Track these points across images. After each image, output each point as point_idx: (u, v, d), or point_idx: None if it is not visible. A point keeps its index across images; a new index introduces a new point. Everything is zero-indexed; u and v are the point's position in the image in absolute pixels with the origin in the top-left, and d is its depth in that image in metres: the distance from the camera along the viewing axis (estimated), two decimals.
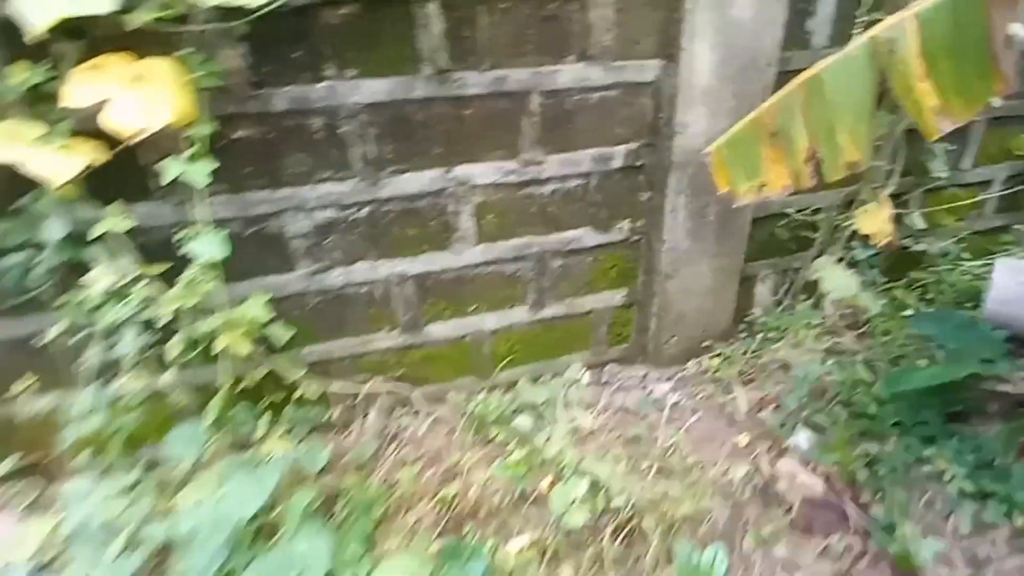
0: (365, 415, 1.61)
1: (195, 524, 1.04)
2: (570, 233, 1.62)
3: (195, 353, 1.26)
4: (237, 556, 0.99)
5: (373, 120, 1.32)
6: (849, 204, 1.80)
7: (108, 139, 1.05)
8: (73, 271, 1.16)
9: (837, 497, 1.31)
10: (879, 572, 1.20)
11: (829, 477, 1.38)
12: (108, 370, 1.22)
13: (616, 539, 1.19)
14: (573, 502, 1.17)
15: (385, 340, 1.62)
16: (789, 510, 1.32)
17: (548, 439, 1.42)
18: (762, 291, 1.96)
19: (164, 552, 1.10)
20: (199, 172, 1.06)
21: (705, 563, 1.06)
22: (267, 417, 1.39)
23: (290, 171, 1.32)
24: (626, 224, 1.67)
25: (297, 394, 1.48)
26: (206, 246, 1.09)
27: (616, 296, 1.78)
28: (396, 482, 1.38)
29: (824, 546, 1.24)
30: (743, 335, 1.89)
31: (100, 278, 1.08)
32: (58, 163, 0.96)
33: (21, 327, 1.26)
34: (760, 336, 1.86)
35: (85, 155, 1.01)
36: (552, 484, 1.31)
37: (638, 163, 1.57)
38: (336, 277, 1.48)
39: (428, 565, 1.01)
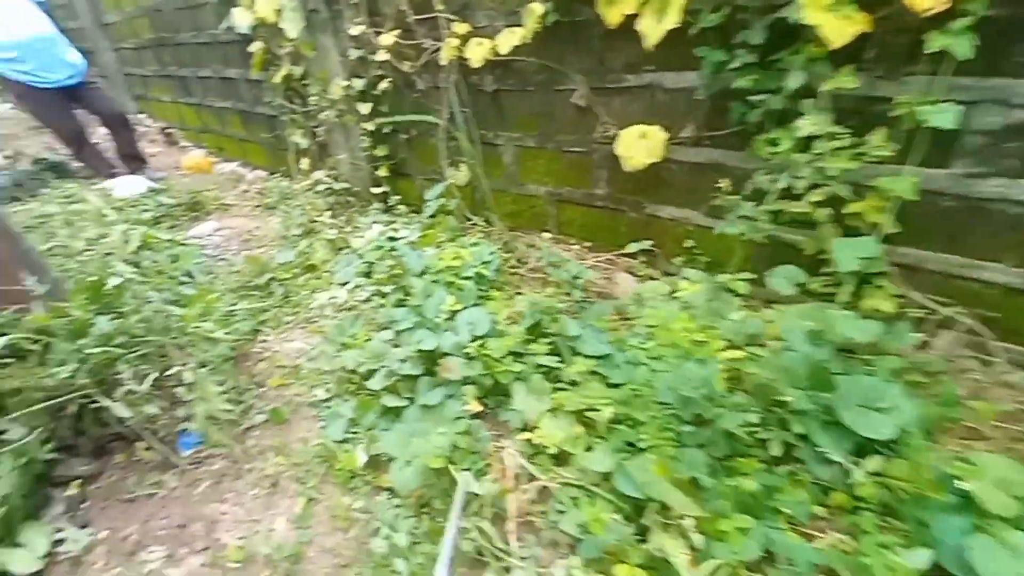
0: (933, 335, 1.54)
1: (792, 327, 1.33)
2: None
3: (822, 207, 1.48)
4: (832, 362, 1.23)
5: None
6: None
7: (870, 11, 1.26)
8: (774, 118, 1.51)
9: None
10: None
11: None
12: (759, 197, 1.61)
13: None
14: None
15: (995, 273, 1.43)
16: None
17: None
18: None
19: None
20: (962, 46, 1.13)
21: None
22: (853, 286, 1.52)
23: (1016, 59, 1.24)
24: None
25: (878, 282, 1.55)
26: (939, 116, 1.19)
27: None
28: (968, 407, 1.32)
29: None
30: None
31: (805, 127, 1.38)
32: (840, 28, 1.23)
33: (714, 155, 1.78)
34: None
35: (859, 24, 1.24)
36: None
37: None
38: (990, 187, 1.37)
39: None
